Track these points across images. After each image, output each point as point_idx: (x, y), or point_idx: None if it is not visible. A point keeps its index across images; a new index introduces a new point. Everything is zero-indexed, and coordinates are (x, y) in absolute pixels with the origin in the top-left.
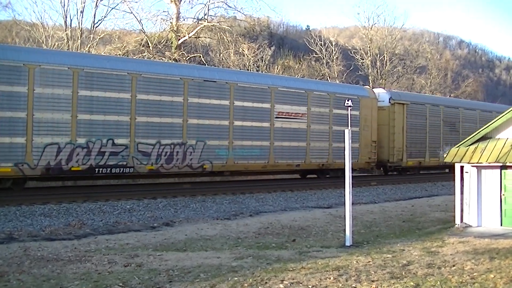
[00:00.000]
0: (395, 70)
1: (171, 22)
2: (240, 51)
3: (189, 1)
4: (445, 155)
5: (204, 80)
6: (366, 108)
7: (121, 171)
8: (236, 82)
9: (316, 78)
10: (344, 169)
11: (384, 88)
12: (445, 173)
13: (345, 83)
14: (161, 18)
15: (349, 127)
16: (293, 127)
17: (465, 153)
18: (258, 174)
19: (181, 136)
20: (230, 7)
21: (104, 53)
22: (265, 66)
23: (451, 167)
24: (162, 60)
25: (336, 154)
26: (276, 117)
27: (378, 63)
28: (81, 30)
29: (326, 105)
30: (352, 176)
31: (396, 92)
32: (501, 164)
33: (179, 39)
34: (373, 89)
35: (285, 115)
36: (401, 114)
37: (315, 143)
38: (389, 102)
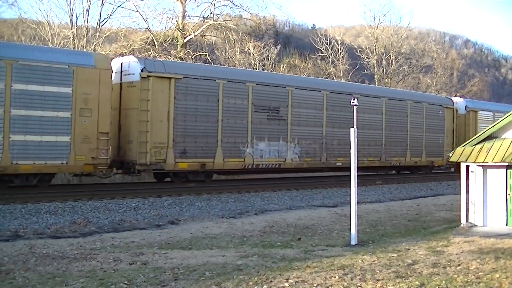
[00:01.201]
0: (401, 69)
1: (177, 21)
2: (245, 49)
3: (195, 0)
4: (450, 155)
5: None
6: (90, 83)
7: None
8: None
9: (322, 77)
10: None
11: (135, 56)
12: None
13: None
14: (167, 17)
15: (355, 125)
16: None
17: (471, 152)
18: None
19: None
20: (236, 5)
21: (109, 52)
22: (270, 65)
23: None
24: (168, 59)
25: None
26: None
27: (384, 62)
28: (87, 29)
29: None
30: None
31: (155, 61)
32: (507, 164)
33: (184, 38)
34: (116, 58)
35: None
36: (164, 93)
37: None
38: (141, 75)
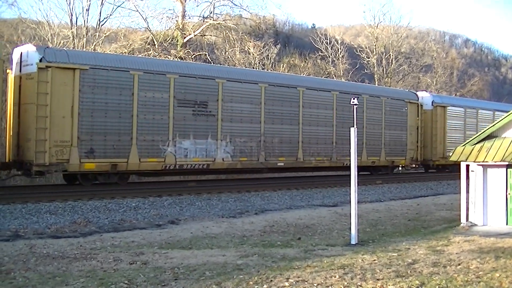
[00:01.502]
0: (400, 68)
1: (176, 20)
2: (245, 49)
3: None
4: (450, 154)
5: None
6: None
7: None
8: None
9: (322, 77)
10: None
11: (35, 45)
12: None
13: None
14: (167, 16)
15: (355, 126)
16: None
17: (471, 152)
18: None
19: None
20: (236, 5)
21: (110, 51)
22: (270, 64)
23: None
24: (167, 58)
25: None
26: None
27: (383, 62)
28: (86, 28)
29: None
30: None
31: (57, 50)
32: (507, 163)
33: (184, 37)
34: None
35: None
36: (68, 85)
37: None
38: (38, 66)
